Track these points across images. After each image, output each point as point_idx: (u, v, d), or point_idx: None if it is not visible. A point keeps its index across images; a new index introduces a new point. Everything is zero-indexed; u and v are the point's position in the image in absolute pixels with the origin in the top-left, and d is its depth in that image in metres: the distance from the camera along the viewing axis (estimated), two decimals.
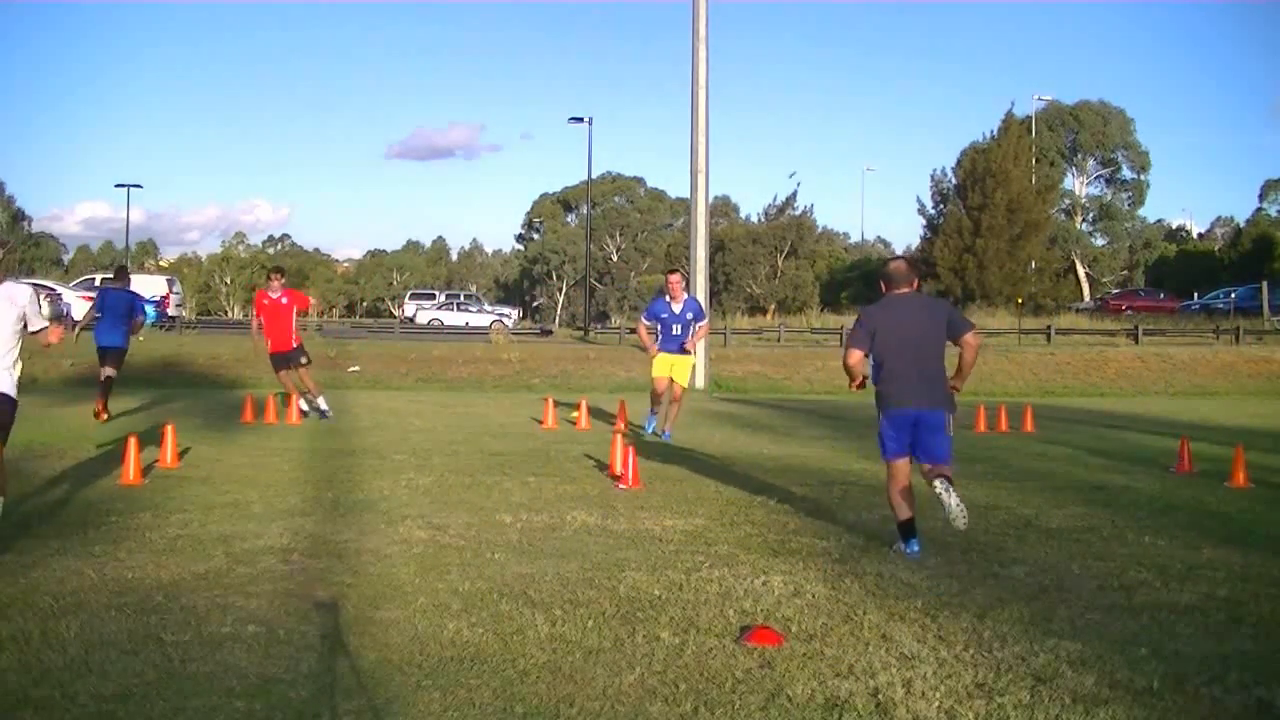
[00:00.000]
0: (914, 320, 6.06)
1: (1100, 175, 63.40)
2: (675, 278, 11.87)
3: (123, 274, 13.71)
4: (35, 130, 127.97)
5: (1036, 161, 52.89)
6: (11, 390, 5.63)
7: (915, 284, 6.21)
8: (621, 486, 7.94)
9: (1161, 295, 49.00)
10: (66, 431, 11.04)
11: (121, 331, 12.38)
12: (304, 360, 12.86)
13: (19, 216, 79.85)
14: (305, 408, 12.90)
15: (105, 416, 11.92)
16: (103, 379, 12.21)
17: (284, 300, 12.86)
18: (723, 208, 72.38)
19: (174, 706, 3.42)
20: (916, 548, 5.92)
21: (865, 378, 6.14)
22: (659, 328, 11.38)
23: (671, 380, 11.38)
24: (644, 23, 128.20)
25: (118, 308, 12.34)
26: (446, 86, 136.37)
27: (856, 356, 6.08)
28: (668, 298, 11.44)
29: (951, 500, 5.85)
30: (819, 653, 4.08)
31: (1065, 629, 4.43)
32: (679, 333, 11.33)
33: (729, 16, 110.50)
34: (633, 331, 34.60)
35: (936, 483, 5.94)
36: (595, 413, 13.70)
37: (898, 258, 6.83)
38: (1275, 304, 36.65)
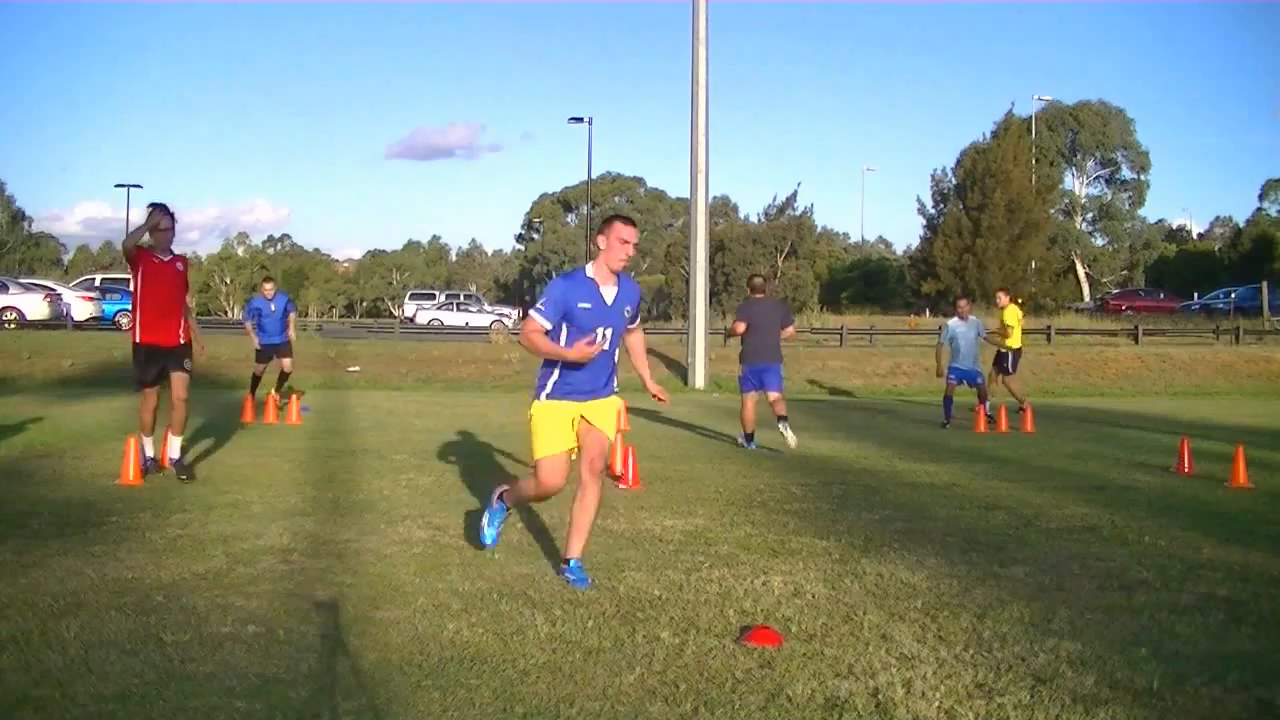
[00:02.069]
0: (767, 314, 10.86)
1: (1100, 175, 63.45)
2: (624, 230, 5.15)
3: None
4: (35, 130, 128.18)
5: (1036, 161, 52.93)
6: None
7: (767, 291, 11.24)
8: (621, 486, 7.94)
9: (1161, 295, 49.02)
10: (66, 431, 11.03)
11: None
12: (187, 365, 8.03)
13: (19, 216, 79.83)
14: (151, 453, 8.08)
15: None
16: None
17: (179, 266, 8.07)
18: (723, 208, 72.38)
19: (174, 706, 3.42)
20: (754, 445, 10.73)
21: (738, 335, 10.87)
22: (567, 334, 5.09)
23: (579, 452, 5.20)
24: (644, 23, 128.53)
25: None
26: (446, 86, 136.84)
27: (744, 326, 10.78)
28: (589, 270, 5.18)
29: (789, 434, 10.34)
30: (819, 653, 4.08)
31: (1065, 629, 4.43)
32: (606, 345, 5.17)
33: (729, 16, 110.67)
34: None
35: (780, 425, 10.43)
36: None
37: (757, 275, 11.90)
38: (1275, 304, 36.66)
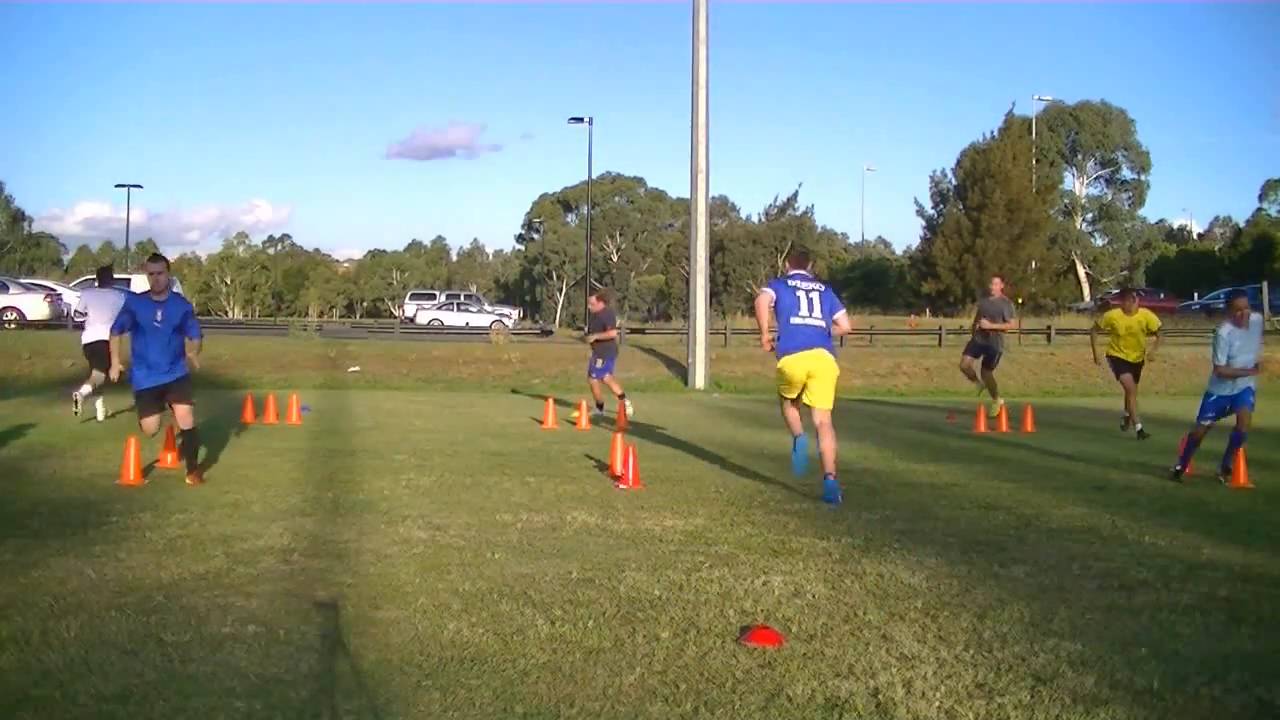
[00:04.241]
0: (599, 321, 14.07)
1: (1100, 175, 63.46)
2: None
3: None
4: (35, 130, 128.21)
5: (1036, 162, 52.95)
6: None
7: (609, 300, 14.48)
8: (621, 486, 7.94)
9: (1161, 295, 48.97)
10: (66, 431, 11.04)
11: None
12: None
13: (19, 216, 79.85)
14: None
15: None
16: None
17: None
18: (722, 208, 72.44)
19: (174, 706, 3.42)
20: (605, 411, 13.86)
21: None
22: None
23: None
24: (644, 23, 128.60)
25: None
26: (447, 86, 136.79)
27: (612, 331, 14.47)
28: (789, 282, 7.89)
29: (629, 406, 13.64)
30: (819, 653, 4.08)
31: (1065, 629, 4.43)
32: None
33: (729, 16, 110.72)
34: (634, 331, 34.59)
35: (621, 399, 13.64)
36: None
37: (598, 290, 15.63)
38: (1275, 304, 36.64)
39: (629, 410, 13.48)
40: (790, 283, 7.86)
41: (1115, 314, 12.62)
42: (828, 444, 7.59)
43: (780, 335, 7.76)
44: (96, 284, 12.11)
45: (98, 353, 11.22)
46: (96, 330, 11.41)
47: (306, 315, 60.23)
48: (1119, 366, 12.68)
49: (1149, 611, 4.70)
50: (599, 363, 13.89)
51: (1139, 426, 12.19)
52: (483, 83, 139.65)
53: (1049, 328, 31.34)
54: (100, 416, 11.93)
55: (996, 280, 15.50)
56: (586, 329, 14.70)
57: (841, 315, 7.96)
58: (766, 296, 7.84)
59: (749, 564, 5.54)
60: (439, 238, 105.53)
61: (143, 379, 7.74)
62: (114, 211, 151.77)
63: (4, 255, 73.86)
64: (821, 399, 7.67)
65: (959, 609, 4.72)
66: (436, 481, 8.09)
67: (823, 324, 7.71)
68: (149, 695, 3.51)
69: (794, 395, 7.79)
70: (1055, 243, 55.75)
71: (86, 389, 11.98)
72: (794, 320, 7.68)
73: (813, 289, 7.82)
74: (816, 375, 7.63)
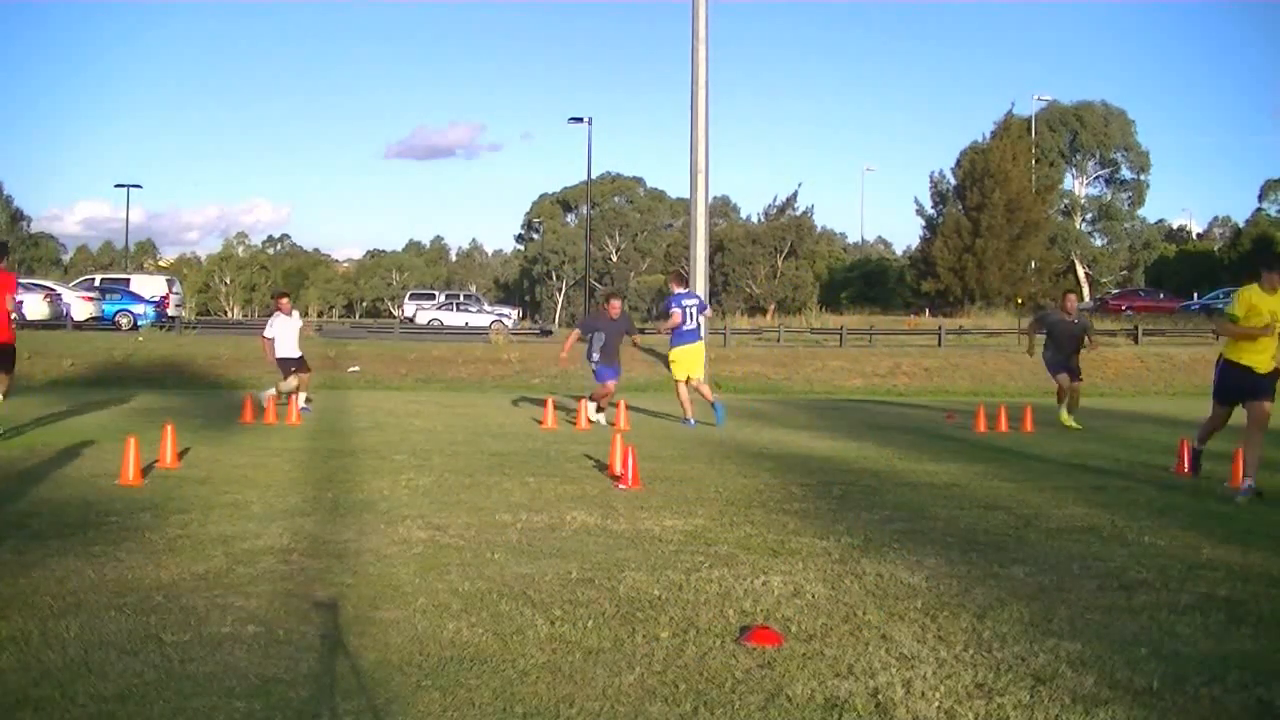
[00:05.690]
0: (618, 326, 13.66)
1: (1100, 175, 63.47)
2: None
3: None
4: (35, 130, 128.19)
5: (1036, 162, 52.97)
6: None
7: (618, 308, 13.82)
8: (621, 486, 7.93)
9: (1161, 295, 49.02)
10: (66, 431, 11.03)
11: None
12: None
13: (18, 216, 79.83)
14: None
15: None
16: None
17: None
18: (723, 208, 72.44)
19: (174, 706, 3.42)
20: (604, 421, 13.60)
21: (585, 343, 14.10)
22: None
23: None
24: (644, 23, 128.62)
25: None
26: (447, 86, 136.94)
27: (576, 334, 14.50)
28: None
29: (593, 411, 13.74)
30: (819, 653, 4.08)
31: (1065, 629, 4.43)
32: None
33: (729, 16, 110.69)
34: (641, 331, 34.61)
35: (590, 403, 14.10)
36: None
37: (613, 291, 17.62)
38: None
39: (589, 411, 13.30)
40: (684, 303, 13.20)
41: (1252, 292, 7.99)
42: (706, 392, 13.39)
43: (676, 336, 13.11)
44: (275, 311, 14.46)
45: (284, 364, 13.87)
46: (281, 347, 13.85)
47: (306, 315, 60.26)
48: (1229, 379, 8.13)
49: (1149, 611, 4.70)
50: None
51: (1249, 483, 7.68)
52: (483, 83, 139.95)
53: None
54: (265, 397, 13.76)
55: (1071, 297, 14.49)
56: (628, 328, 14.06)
57: (707, 311, 14.13)
58: (676, 317, 13.08)
59: (749, 564, 5.53)
60: (438, 238, 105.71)
61: None
62: (114, 211, 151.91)
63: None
64: (699, 374, 13.26)
65: (959, 609, 4.72)
66: (436, 481, 8.09)
67: (696, 327, 13.21)
68: (149, 695, 3.50)
69: (686, 377, 13.10)
70: (1055, 243, 55.78)
71: (275, 391, 14.00)
72: (685, 328, 13.10)
73: (691, 304, 13.33)
74: (697, 361, 13.18)
